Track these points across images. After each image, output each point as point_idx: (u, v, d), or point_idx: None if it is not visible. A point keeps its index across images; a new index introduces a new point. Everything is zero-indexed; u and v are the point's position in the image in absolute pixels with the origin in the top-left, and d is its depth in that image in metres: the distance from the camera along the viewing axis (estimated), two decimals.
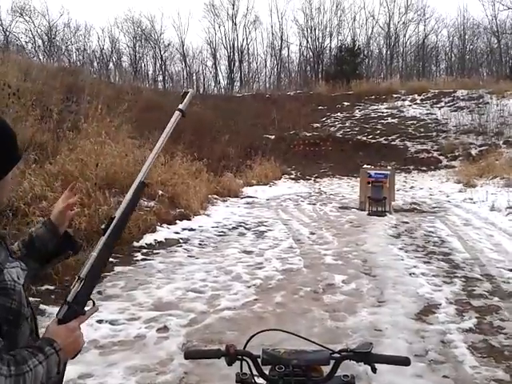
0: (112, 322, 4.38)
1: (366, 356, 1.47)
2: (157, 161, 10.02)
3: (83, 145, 8.45)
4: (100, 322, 4.31)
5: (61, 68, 15.87)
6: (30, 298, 1.31)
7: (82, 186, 7.08)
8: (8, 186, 1.25)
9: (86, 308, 1.30)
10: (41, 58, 25.26)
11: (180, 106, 1.53)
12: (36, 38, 32.62)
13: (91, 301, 1.32)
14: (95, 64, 33.27)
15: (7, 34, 30.91)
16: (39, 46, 32.10)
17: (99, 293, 5.06)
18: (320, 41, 35.99)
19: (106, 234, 1.34)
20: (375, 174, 11.29)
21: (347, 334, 4.25)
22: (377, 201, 10.70)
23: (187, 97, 1.55)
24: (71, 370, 3.40)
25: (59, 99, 10.59)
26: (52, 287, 5.00)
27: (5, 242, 1.23)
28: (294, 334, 1.64)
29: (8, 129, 1.24)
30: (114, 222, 1.36)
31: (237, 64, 36.26)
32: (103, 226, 1.37)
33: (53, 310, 4.37)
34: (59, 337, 1.20)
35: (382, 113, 22.14)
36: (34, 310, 1.30)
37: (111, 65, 34.94)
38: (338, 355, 1.50)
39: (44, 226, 1.45)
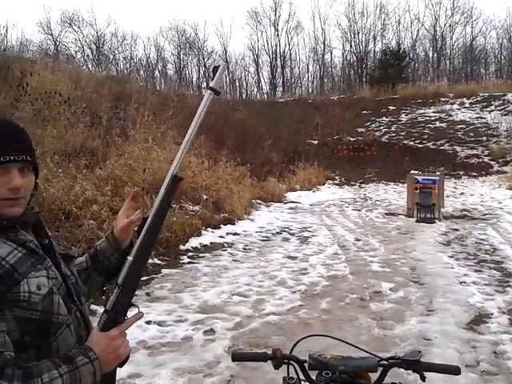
0: (160, 323, 4.46)
1: (415, 364, 1.43)
2: (201, 166, 10.18)
3: (131, 150, 8.69)
4: (148, 323, 4.39)
5: (109, 76, 16.37)
6: None
7: (130, 191, 7.27)
8: None
9: (130, 314, 1.25)
10: (90, 66, 26.25)
11: (211, 84, 1.33)
12: (85, 48, 33.95)
13: (136, 307, 1.27)
14: (141, 72, 34.24)
15: (57, 43, 32.34)
16: (88, 56, 33.35)
17: (147, 294, 5.17)
18: (364, 45, 35.60)
19: (141, 236, 1.27)
20: (423, 179, 10.99)
21: (395, 343, 4.15)
22: (425, 207, 10.41)
23: (218, 71, 1.34)
24: (121, 370, 3.46)
25: (108, 107, 10.93)
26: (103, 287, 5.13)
27: (48, 246, 1.23)
28: (341, 340, 1.62)
29: None
30: (148, 222, 1.27)
31: (279, 70, 36.38)
32: (136, 228, 1.31)
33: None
34: (98, 346, 1.16)
35: (430, 117, 21.56)
36: (84, 315, 1.28)
37: (157, 73, 35.85)
38: (386, 362, 1.48)
39: (107, 240, 1.42)
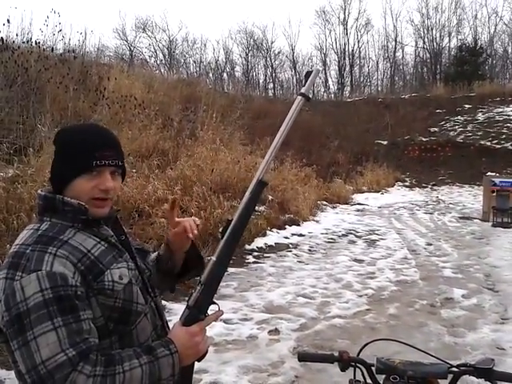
0: (226, 321, 4.55)
1: (488, 372, 1.37)
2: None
3: (200, 151, 8.93)
4: (215, 320, 4.48)
5: (180, 80, 16.91)
6: None
7: (198, 190, 7.47)
8: (85, 191, 1.23)
9: (210, 312, 1.29)
10: (162, 70, 27.21)
11: (302, 90, 1.35)
12: (158, 52, 35.29)
13: (216, 305, 1.31)
14: (210, 75, 35.02)
15: (132, 48, 33.85)
16: (161, 60, 34.62)
17: None
18: (438, 41, 34.17)
19: (224, 238, 1.30)
20: (501, 182, 10.39)
21: (466, 351, 3.98)
22: (502, 211, 9.83)
23: (311, 77, 1.35)
24: None
25: (178, 109, 11.30)
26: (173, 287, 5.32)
27: (125, 241, 1.31)
28: (410, 345, 1.57)
29: (73, 136, 1.28)
30: (232, 224, 1.30)
31: (347, 68, 35.78)
32: (221, 230, 1.33)
33: (172, 306, 4.66)
34: (179, 340, 1.21)
35: (508, 116, 20.27)
36: (158, 306, 1.36)
37: (225, 75, 36.55)
38: (457, 369, 1.43)
39: (164, 245, 1.51)
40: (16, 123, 6.69)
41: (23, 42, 9.25)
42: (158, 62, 33.33)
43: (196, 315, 1.26)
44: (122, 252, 1.28)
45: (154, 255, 1.53)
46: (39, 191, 1.28)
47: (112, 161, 1.25)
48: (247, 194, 1.32)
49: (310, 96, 1.35)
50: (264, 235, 7.90)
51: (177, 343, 1.20)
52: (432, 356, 1.49)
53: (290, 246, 7.81)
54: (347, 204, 12.58)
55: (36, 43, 9.25)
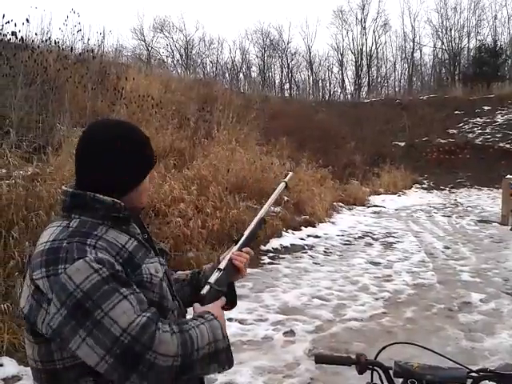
0: (241, 321, 4.55)
1: (509, 378, 1.34)
2: (283, 167, 10.24)
3: (216, 151, 8.94)
4: (230, 320, 4.48)
5: (196, 80, 16.98)
6: None
7: (214, 190, 7.48)
8: (147, 189, 1.32)
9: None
10: (179, 71, 27.35)
11: (285, 179, 1.73)
12: (175, 52, 35.45)
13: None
14: (227, 75, 35.07)
15: (149, 49, 34.05)
16: (178, 60, 34.76)
17: None
18: (456, 41, 33.66)
19: (237, 246, 1.51)
20: None
21: (484, 356, 3.91)
22: None
23: (289, 175, 1.81)
24: None
25: (195, 109, 11.34)
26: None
27: (148, 239, 1.31)
28: (429, 349, 1.54)
29: (143, 135, 1.33)
30: (242, 239, 1.53)
31: (364, 69, 35.52)
32: (236, 238, 1.55)
33: None
34: (209, 308, 1.28)
35: None
36: (181, 304, 1.37)
37: (241, 75, 36.57)
38: (477, 375, 1.40)
39: (212, 266, 1.53)
40: (35, 122, 6.78)
41: (42, 42, 9.36)
42: (175, 62, 33.53)
43: (217, 291, 1.38)
44: (149, 250, 1.28)
45: (180, 273, 1.56)
46: (65, 188, 1.26)
47: (156, 159, 1.35)
48: (250, 228, 1.56)
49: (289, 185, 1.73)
50: (279, 236, 7.87)
51: (210, 312, 1.26)
52: (451, 360, 1.47)
53: (306, 247, 7.78)
54: (363, 206, 12.48)
55: (55, 43, 9.37)
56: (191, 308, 1.35)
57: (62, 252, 1.09)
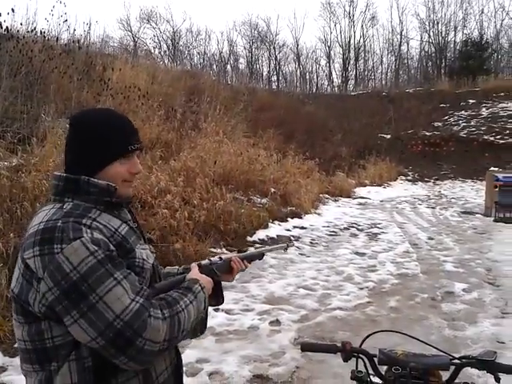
0: (227, 312, 4.58)
1: (490, 364, 1.39)
2: (270, 159, 10.27)
3: (203, 143, 8.92)
4: (216, 310, 4.51)
5: (184, 71, 16.86)
6: None
7: (201, 182, 7.48)
8: (117, 175, 1.27)
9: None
10: (166, 62, 27.10)
11: (289, 245, 1.86)
12: (162, 43, 35.12)
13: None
14: (214, 67, 34.88)
15: (136, 40, 33.67)
16: (165, 51, 34.45)
17: None
18: (443, 35, 33.92)
19: (240, 254, 1.65)
20: (504, 177, 10.34)
21: (466, 344, 4.00)
22: (505, 206, 9.80)
23: (292, 246, 1.96)
24: (189, 354, 3.62)
25: (182, 100, 11.28)
26: None
27: (138, 227, 1.34)
28: (412, 336, 1.59)
29: (120, 121, 1.32)
30: (246, 253, 1.70)
31: (352, 62, 35.60)
32: (239, 249, 1.79)
33: None
34: (201, 278, 1.37)
35: None
36: None
37: (229, 67, 36.40)
38: (459, 361, 1.45)
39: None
40: (20, 113, 6.69)
41: (28, 32, 9.20)
42: (162, 53, 33.20)
43: (211, 270, 1.47)
44: (140, 236, 1.31)
45: (172, 267, 1.60)
46: (56, 173, 1.28)
47: (140, 145, 1.32)
48: (255, 251, 1.73)
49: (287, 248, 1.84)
50: (266, 227, 7.91)
51: (200, 280, 1.35)
52: (434, 348, 1.51)
53: (292, 238, 7.82)
54: (349, 197, 12.57)
55: (41, 33, 9.21)
56: None
57: (58, 231, 1.11)
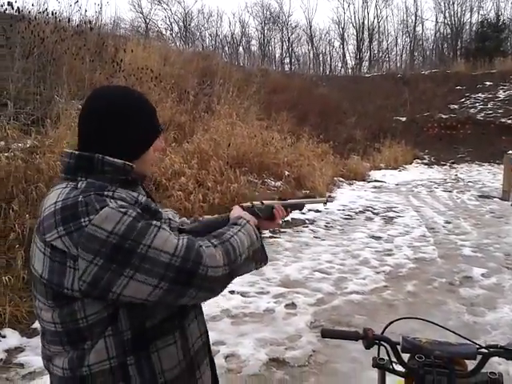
0: (243, 294, 4.55)
1: None
2: (283, 142, 10.17)
3: (216, 125, 8.85)
4: (232, 292, 4.50)
5: (196, 53, 16.68)
6: None
7: (215, 165, 7.42)
8: (151, 159, 1.30)
9: None
10: (177, 43, 26.87)
11: (327, 199, 1.83)
12: (173, 25, 34.80)
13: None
14: (226, 48, 34.56)
15: (147, 21, 33.40)
16: (176, 33, 34.16)
17: None
18: (459, 16, 33.13)
19: (282, 202, 1.62)
20: None
21: (486, 330, 3.93)
22: None
23: (329, 199, 1.90)
24: None
25: (195, 82, 11.17)
26: None
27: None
28: (440, 326, 1.53)
29: (149, 103, 1.31)
30: (288, 201, 1.65)
31: (366, 43, 35.00)
32: (281, 197, 1.68)
33: None
34: (244, 214, 1.39)
35: None
36: None
37: (241, 49, 36.03)
38: (486, 351, 1.39)
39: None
40: (33, 94, 6.65)
41: (39, 13, 9.14)
42: (174, 34, 32.93)
43: (254, 211, 1.48)
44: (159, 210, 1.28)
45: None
46: (67, 150, 1.22)
47: (162, 125, 1.34)
48: (296, 200, 1.70)
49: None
50: None
51: (244, 216, 1.37)
52: (459, 336, 1.46)
53: (307, 221, 7.76)
54: (364, 181, 12.44)
55: (52, 14, 9.14)
56: None
57: (81, 206, 1.07)
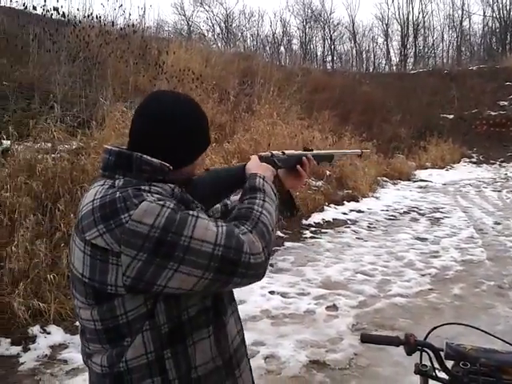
0: (283, 295, 4.51)
1: None
2: (325, 141, 10.03)
3: (256, 125, 8.84)
4: (272, 293, 4.47)
5: (237, 54, 16.74)
6: None
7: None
8: (200, 163, 1.33)
9: None
10: (219, 44, 27.08)
11: (363, 150, 1.82)
12: (215, 26, 35.11)
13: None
14: (267, 48, 34.51)
15: (190, 23, 33.86)
16: (218, 34, 34.43)
17: (271, 265, 5.26)
18: (508, 9, 31.67)
19: (310, 153, 1.47)
20: None
21: None
22: None
23: (366, 150, 1.84)
24: (245, 336, 3.56)
25: (235, 83, 11.22)
26: None
27: None
28: (485, 331, 1.43)
29: (205, 115, 1.31)
30: (314, 152, 1.49)
31: (410, 39, 34.09)
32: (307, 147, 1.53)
33: None
34: (259, 168, 1.33)
35: None
36: None
37: (282, 48, 35.88)
38: None
39: None
40: (79, 97, 6.86)
41: (84, 17, 9.43)
42: (215, 36, 33.24)
43: (274, 161, 1.37)
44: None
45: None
46: (108, 146, 1.22)
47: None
48: (323, 151, 1.59)
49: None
50: (321, 210, 7.76)
51: (258, 171, 1.31)
52: (509, 344, 1.36)
53: (349, 222, 7.63)
54: (409, 180, 12.14)
55: (97, 18, 9.42)
56: None
57: (119, 202, 1.07)
